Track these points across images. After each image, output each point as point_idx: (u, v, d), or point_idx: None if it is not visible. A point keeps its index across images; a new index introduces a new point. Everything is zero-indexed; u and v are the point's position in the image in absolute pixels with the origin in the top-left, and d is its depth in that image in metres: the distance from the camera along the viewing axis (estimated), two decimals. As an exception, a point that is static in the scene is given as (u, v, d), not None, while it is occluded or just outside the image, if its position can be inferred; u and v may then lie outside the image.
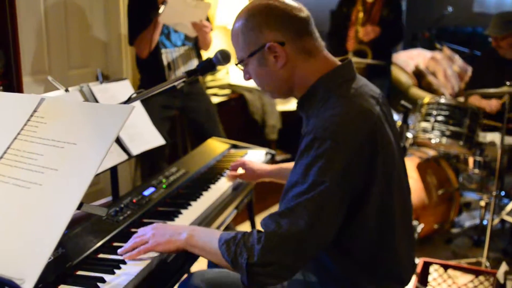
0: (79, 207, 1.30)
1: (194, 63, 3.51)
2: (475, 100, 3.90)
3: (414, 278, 2.66)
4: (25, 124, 1.46)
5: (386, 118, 1.51)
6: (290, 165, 2.09)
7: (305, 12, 1.52)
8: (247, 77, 1.59)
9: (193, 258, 1.74)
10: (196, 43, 3.52)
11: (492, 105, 3.83)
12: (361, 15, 4.21)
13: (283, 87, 1.55)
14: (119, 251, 1.57)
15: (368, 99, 1.47)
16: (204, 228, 1.67)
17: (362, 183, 1.41)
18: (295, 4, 1.52)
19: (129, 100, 1.73)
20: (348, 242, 1.49)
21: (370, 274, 1.52)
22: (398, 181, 1.53)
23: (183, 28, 3.38)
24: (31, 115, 1.48)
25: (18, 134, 1.45)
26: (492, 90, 3.28)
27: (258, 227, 1.43)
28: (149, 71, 3.43)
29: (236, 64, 1.59)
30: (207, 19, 3.48)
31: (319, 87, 1.49)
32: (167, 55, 3.39)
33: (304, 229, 1.35)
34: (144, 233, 1.58)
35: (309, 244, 1.37)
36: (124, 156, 2.07)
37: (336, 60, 1.54)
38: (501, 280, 2.59)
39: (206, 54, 3.82)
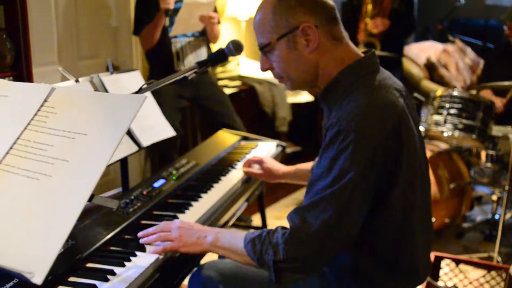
0: (90, 199, 1.28)
1: (203, 53, 3.50)
2: (487, 95, 3.85)
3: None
4: (35, 114, 1.44)
5: (409, 111, 1.49)
6: (307, 165, 2.08)
7: (331, 0, 1.52)
8: (267, 66, 1.55)
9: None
10: (206, 34, 3.50)
11: (497, 105, 3.76)
12: (370, 7, 4.19)
13: (309, 74, 1.51)
14: (139, 234, 1.59)
15: (392, 91, 1.45)
16: (229, 230, 1.67)
17: (387, 175, 1.40)
18: None
19: (139, 91, 1.71)
20: (369, 235, 1.47)
21: (387, 269, 1.51)
22: (421, 174, 1.51)
23: (192, 28, 3.39)
24: (42, 105, 1.46)
25: (28, 124, 1.43)
26: (506, 83, 3.23)
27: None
28: (158, 60, 3.42)
29: (261, 49, 1.53)
30: (215, 10, 3.46)
31: (343, 79, 1.48)
32: (176, 45, 3.38)
33: (329, 223, 1.36)
34: (169, 228, 1.59)
35: (334, 238, 1.38)
36: (135, 148, 2.06)
37: (359, 52, 1.53)
38: (514, 276, 2.56)
39: (215, 47, 3.79)
